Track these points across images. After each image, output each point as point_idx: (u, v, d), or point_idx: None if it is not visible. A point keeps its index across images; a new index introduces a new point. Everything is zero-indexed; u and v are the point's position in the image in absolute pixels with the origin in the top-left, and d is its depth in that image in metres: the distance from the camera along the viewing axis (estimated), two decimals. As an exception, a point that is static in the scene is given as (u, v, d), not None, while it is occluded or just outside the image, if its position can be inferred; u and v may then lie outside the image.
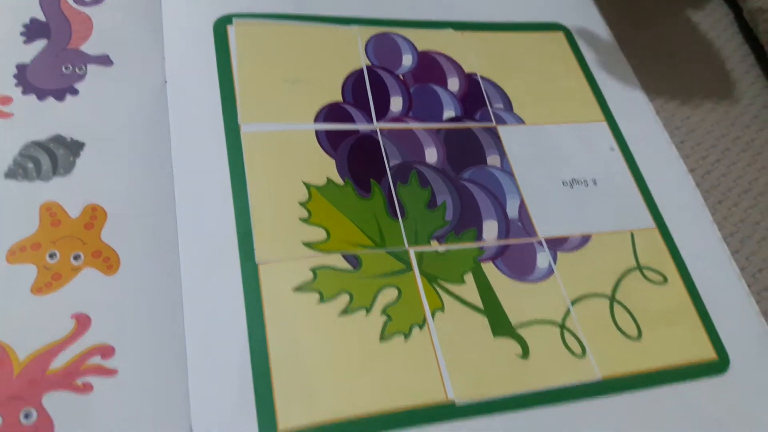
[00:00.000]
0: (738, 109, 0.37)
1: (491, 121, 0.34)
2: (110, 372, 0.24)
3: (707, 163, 0.35)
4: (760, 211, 0.34)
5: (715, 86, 0.38)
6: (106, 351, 0.25)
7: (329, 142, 0.31)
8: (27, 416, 0.23)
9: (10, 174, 0.28)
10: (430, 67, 0.35)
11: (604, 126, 0.35)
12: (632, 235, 0.32)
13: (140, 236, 0.27)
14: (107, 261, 0.26)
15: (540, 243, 0.30)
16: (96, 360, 0.24)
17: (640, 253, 0.31)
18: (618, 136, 0.35)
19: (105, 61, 0.32)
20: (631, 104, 0.37)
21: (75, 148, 0.29)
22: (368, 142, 0.32)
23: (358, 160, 0.31)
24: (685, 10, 0.41)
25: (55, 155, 0.29)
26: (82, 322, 0.25)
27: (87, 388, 0.24)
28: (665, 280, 0.31)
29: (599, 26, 0.40)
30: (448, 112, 0.34)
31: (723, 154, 0.36)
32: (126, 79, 0.31)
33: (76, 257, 0.26)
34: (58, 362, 0.24)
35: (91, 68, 0.31)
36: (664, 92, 0.38)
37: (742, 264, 0.32)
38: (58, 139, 0.29)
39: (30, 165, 0.28)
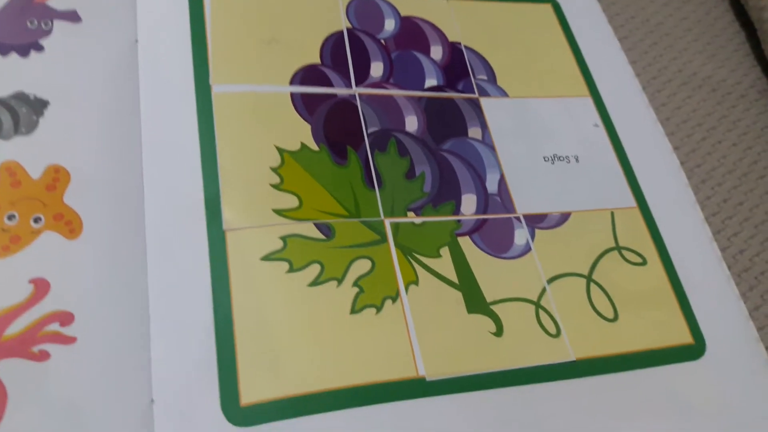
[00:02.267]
0: (725, 88, 0.37)
1: (474, 92, 0.33)
2: (68, 340, 0.23)
3: (692, 141, 0.34)
4: (743, 191, 0.33)
5: (704, 64, 0.37)
6: (65, 318, 0.24)
7: (305, 105, 0.30)
8: (-20, 384, 0.22)
9: (-32, 131, 0.26)
10: (413, 33, 0.34)
11: (589, 101, 0.34)
12: (612, 214, 0.31)
13: (105, 200, 0.26)
14: (69, 224, 0.25)
15: (518, 219, 0.30)
16: (54, 327, 0.24)
17: (619, 232, 0.31)
18: (602, 112, 0.34)
19: (73, 17, 0.30)
20: (617, 80, 0.36)
21: (38, 106, 0.28)
22: (346, 107, 0.31)
23: (335, 125, 0.30)
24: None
25: (17, 113, 0.27)
26: (41, 287, 0.24)
27: (44, 355, 0.23)
28: (644, 261, 0.30)
29: (588, 0, 0.38)
30: (430, 81, 0.33)
31: (708, 132, 0.35)
32: (94, 37, 0.30)
33: (37, 220, 0.25)
34: (14, 328, 0.23)
35: (58, 24, 0.30)
36: (651, 68, 0.37)
37: (723, 245, 0.32)
38: (21, 97, 0.28)
39: (-11, 122, 0.27)
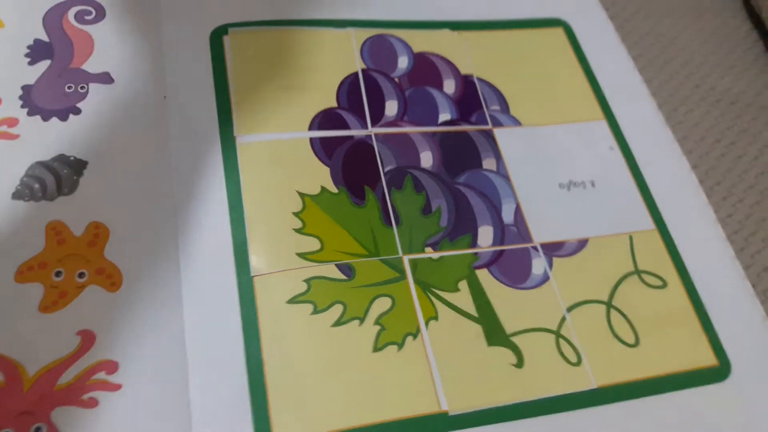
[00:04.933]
0: (745, 100, 0.36)
1: (487, 123, 0.34)
2: (115, 387, 0.25)
3: (711, 158, 0.34)
4: (766, 206, 0.33)
5: (722, 77, 0.37)
6: (111, 366, 0.26)
7: (324, 149, 0.31)
8: (37, 431, 0.24)
9: (18, 195, 0.29)
10: (426, 69, 0.35)
11: (604, 124, 0.35)
12: (631, 238, 0.31)
13: (141, 252, 0.28)
14: (110, 278, 0.27)
15: (535, 248, 0.30)
16: (101, 375, 0.25)
17: (638, 256, 0.31)
18: (618, 134, 0.35)
19: (106, 79, 0.32)
20: (632, 101, 0.36)
21: (78, 167, 0.30)
22: (363, 147, 0.32)
23: (353, 166, 0.31)
24: (688, 3, 0.40)
25: (59, 175, 0.29)
26: (88, 339, 0.26)
27: (93, 402, 0.25)
28: (665, 284, 0.30)
29: (600, 20, 0.39)
30: (444, 115, 0.34)
31: (728, 148, 0.35)
32: (127, 96, 0.32)
33: (81, 275, 0.27)
34: (66, 378, 0.25)
35: (93, 87, 0.32)
36: (666, 85, 0.37)
37: (746, 262, 0.31)
38: (62, 159, 0.30)
39: (36, 185, 0.29)
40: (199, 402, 0.25)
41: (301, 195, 0.30)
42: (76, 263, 0.28)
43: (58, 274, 0.27)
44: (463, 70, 0.35)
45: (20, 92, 0.31)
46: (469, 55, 0.36)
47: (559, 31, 0.38)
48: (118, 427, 0.25)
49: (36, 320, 0.26)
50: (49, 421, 0.24)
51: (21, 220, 0.28)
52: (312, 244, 0.29)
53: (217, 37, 0.34)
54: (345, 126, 0.32)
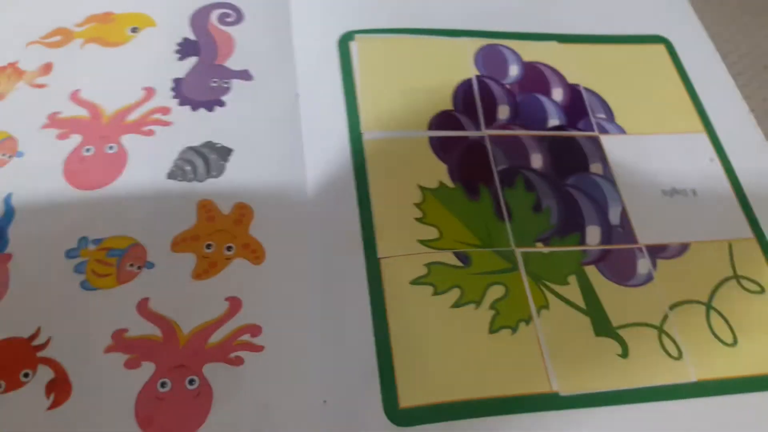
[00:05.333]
0: None
1: (594, 130, 0.36)
2: (258, 348, 0.28)
3: (812, 174, 0.35)
4: None
5: (824, 97, 0.38)
6: (255, 330, 0.29)
7: (441, 148, 0.34)
8: (191, 382, 0.27)
9: (172, 175, 0.32)
10: (535, 77, 0.38)
11: (704, 137, 0.36)
12: (730, 245, 0.33)
13: (281, 232, 0.31)
14: (254, 252, 0.31)
15: (640, 249, 0.32)
16: (246, 337, 0.29)
17: (737, 262, 0.32)
18: (717, 147, 0.36)
19: (246, 75, 0.36)
20: (732, 115, 0.37)
21: (224, 153, 0.33)
22: (477, 148, 0.35)
23: (468, 165, 0.34)
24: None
25: (208, 159, 0.33)
26: (234, 305, 0.29)
27: (239, 361, 0.28)
28: (762, 289, 0.32)
29: (701, 38, 0.40)
30: (552, 121, 0.36)
31: (829, 165, 0.36)
32: (264, 93, 0.35)
33: (228, 248, 0.31)
34: (215, 338, 0.28)
35: (234, 82, 0.36)
36: (766, 103, 0.38)
37: None
38: (210, 145, 0.33)
39: (188, 167, 0.33)
40: (330, 370, 0.28)
41: (421, 188, 0.33)
42: (224, 238, 0.31)
43: (208, 246, 0.31)
44: (570, 80, 0.38)
45: (172, 84, 0.35)
46: (575, 66, 0.38)
47: (660, 48, 0.40)
48: (260, 384, 0.27)
49: (190, 286, 0.29)
50: (201, 374, 0.28)
51: (175, 198, 0.32)
52: (431, 233, 0.31)
53: (344, 42, 0.37)
54: (460, 127, 0.35)
